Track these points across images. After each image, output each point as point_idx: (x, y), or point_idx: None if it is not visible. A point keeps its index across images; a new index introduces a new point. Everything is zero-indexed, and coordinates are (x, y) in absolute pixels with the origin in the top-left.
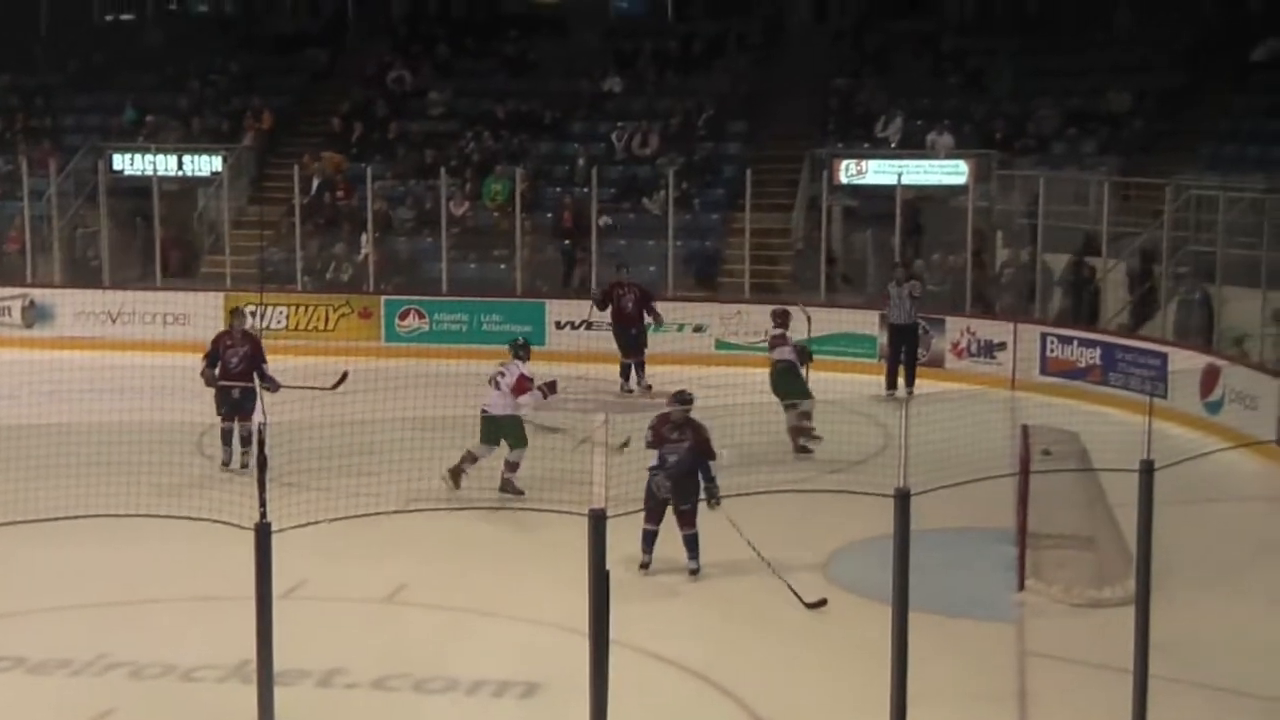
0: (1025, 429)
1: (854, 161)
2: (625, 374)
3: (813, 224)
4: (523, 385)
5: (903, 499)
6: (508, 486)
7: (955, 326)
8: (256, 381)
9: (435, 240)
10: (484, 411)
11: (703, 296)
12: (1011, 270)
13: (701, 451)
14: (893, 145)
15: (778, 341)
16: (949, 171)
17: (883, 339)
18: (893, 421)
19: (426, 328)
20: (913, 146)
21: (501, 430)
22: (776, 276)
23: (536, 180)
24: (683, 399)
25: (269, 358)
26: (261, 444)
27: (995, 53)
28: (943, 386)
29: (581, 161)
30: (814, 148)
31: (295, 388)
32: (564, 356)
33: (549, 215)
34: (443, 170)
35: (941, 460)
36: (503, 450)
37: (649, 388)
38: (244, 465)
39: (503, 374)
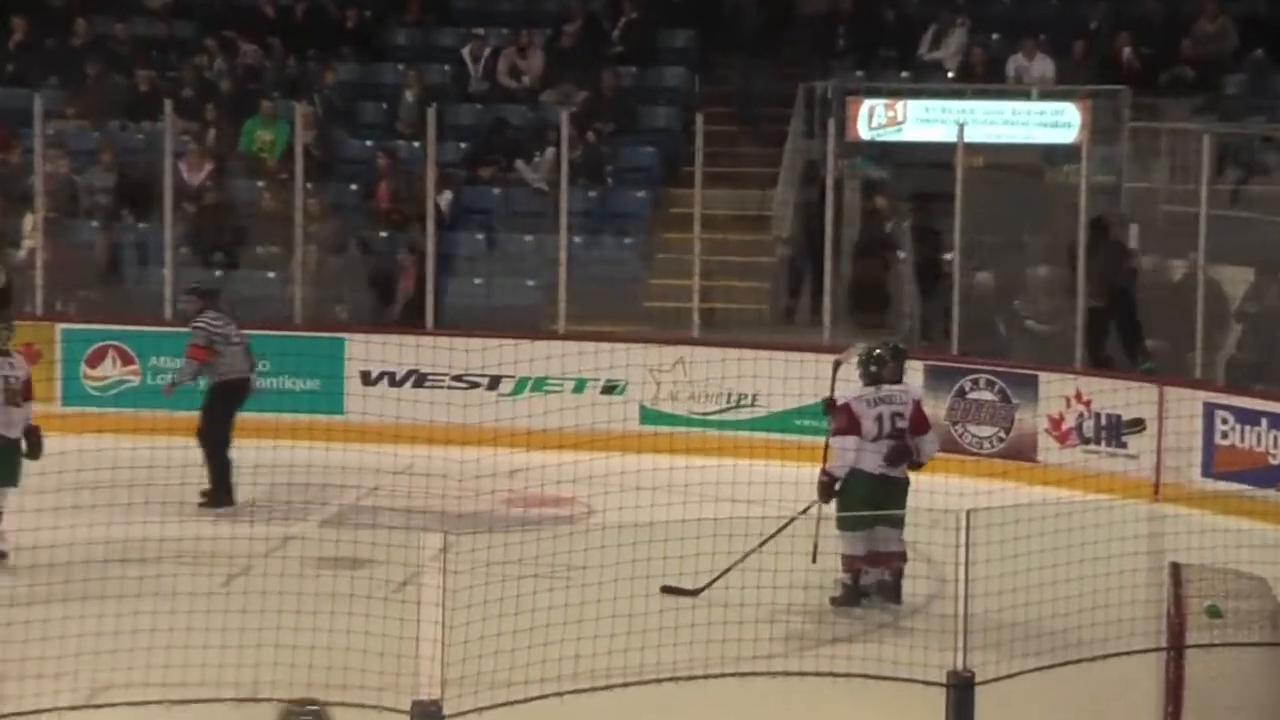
0: (1176, 570)
1: (883, 102)
2: None
3: (810, 208)
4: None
5: (961, 690)
6: None
7: (1056, 390)
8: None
9: (154, 227)
10: None
11: (618, 334)
12: (1156, 295)
13: None
14: (949, 75)
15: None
16: (1047, 121)
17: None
18: (948, 553)
19: (135, 380)
20: (983, 78)
21: None
22: (745, 299)
23: (331, 126)
24: None
25: None
26: None
27: None
28: (1032, 494)
29: (409, 96)
30: (814, 78)
31: None
32: (374, 435)
33: (352, 187)
34: (168, 106)
35: (1027, 622)
36: None
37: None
38: None
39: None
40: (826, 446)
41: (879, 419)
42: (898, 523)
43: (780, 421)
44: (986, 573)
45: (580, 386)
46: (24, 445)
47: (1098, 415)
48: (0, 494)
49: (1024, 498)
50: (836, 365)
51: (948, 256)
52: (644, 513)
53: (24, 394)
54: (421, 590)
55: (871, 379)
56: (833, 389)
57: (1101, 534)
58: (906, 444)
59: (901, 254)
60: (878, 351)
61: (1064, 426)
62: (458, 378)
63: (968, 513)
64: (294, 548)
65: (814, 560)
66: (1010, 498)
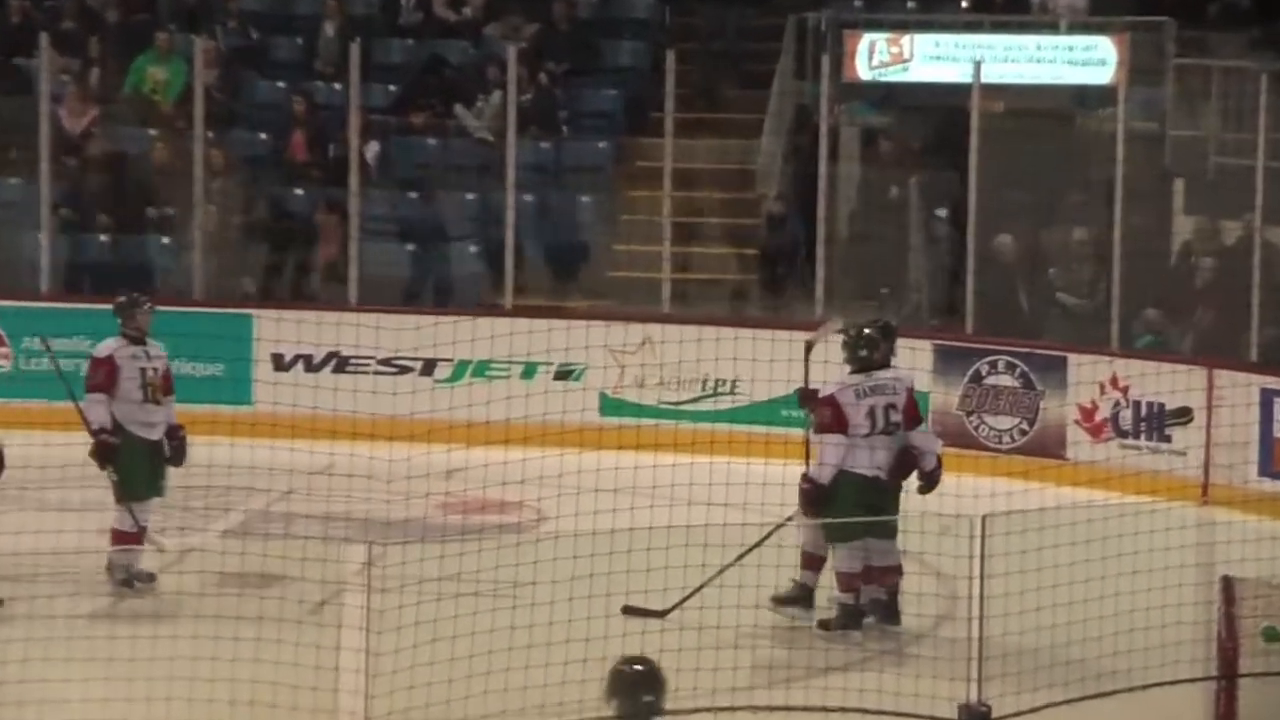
0: (1228, 585)
1: (886, 36)
2: None
3: (801, 162)
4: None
5: None
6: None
7: (1088, 374)
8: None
9: (28, 183)
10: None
11: (574, 309)
12: (1207, 263)
13: None
14: (963, 4)
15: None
16: (1078, 59)
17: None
18: (960, 565)
19: (6, 364)
20: (1003, 8)
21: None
22: (724, 268)
23: (237, 64)
24: None
25: None
26: None
27: None
28: (1060, 496)
29: (329, 29)
30: (805, 8)
31: None
32: (283, 427)
33: (262, 137)
34: (44, 40)
35: (1052, 647)
36: None
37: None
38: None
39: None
40: (808, 444)
41: (870, 413)
42: (890, 531)
43: (764, 412)
44: (1005, 589)
45: (530, 371)
46: (166, 448)
47: (1137, 404)
48: (143, 507)
49: (1049, 501)
50: (809, 347)
51: (940, 213)
52: (604, 519)
53: (164, 388)
54: (343, 612)
55: (861, 364)
56: (807, 377)
57: (1141, 543)
58: (911, 453)
59: (942, 217)
60: (868, 331)
61: (1097, 417)
62: (385, 361)
63: (983, 518)
64: (193, 562)
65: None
66: (1033, 501)
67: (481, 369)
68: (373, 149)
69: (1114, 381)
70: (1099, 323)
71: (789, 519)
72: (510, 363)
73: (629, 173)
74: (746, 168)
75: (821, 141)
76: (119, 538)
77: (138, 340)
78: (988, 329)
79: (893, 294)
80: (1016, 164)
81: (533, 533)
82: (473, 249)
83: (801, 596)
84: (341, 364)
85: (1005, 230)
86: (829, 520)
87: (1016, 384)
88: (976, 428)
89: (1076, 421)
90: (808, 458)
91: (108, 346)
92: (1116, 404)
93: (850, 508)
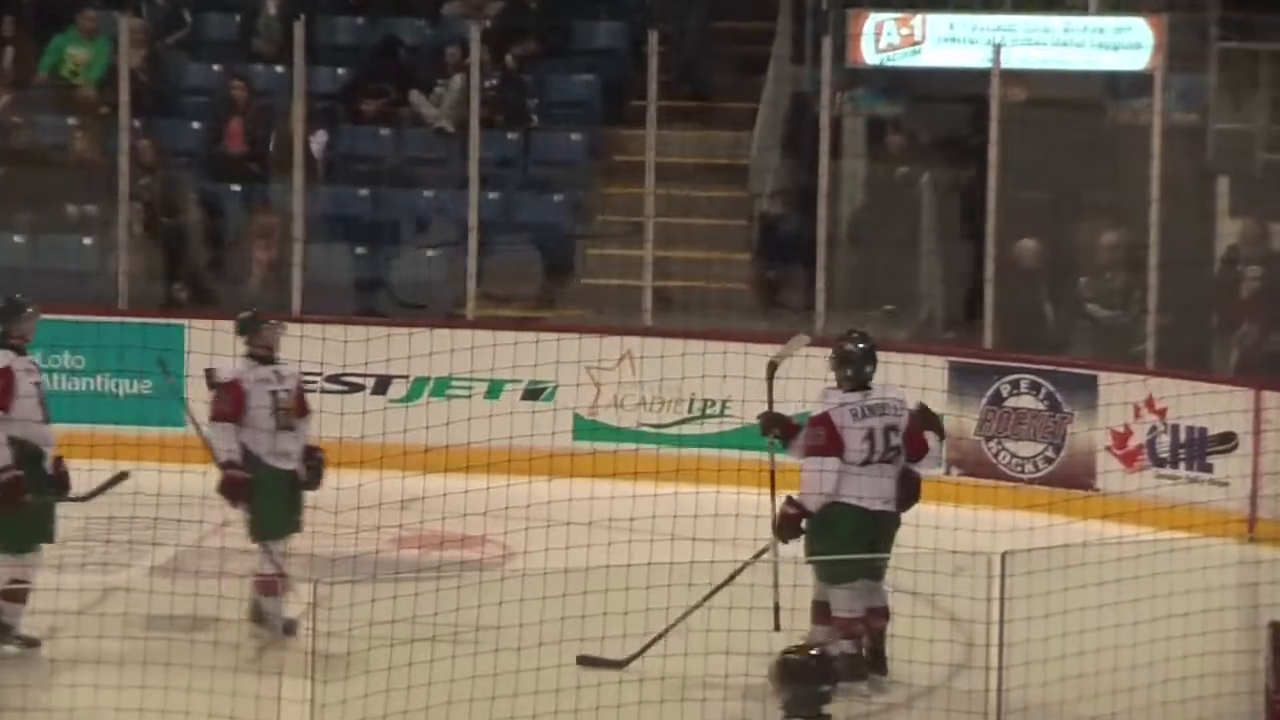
0: (1277, 630)
1: (896, 16)
2: None
3: (800, 156)
4: None
5: None
6: None
7: (1121, 394)
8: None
9: None
10: None
11: (545, 321)
12: (1254, 270)
13: None
14: None
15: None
16: (1110, 42)
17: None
18: (977, 608)
19: None
20: None
21: None
22: (713, 275)
23: (166, 44)
24: None
25: None
26: None
27: None
28: (1088, 531)
29: (271, 5)
30: None
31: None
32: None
33: (195, 126)
34: None
35: (1079, 700)
36: None
37: None
38: None
39: None
40: (773, 475)
41: (869, 436)
42: (881, 570)
43: (757, 436)
44: (1027, 635)
45: (495, 390)
46: (303, 473)
47: (1175, 428)
48: (274, 545)
49: (1077, 536)
50: (772, 368)
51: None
52: (578, 556)
53: (298, 410)
54: (284, 658)
55: (856, 382)
56: (771, 399)
57: (1178, 584)
58: (915, 480)
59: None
60: (863, 346)
61: (1131, 443)
62: (333, 378)
63: (1003, 555)
64: (116, 602)
65: (777, 627)
66: (1059, 536)
67: (441, 387)
68: (319, 140)
69: (1150, 403)
70: (1133, 337)
71: (757, 556)
72: (473, 380)
73: (606, 168)
74: (738, 162)
75: (822, 134)
76: (263, 584)
77: (266, 360)
78: (1008, 344)
79: (902, 305)
80: (1041, 160)
81: (497, 571)
82: (431, 253)
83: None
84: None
85: (1028, 233)
86: (823, 558)
87: (1041, 406)
88: (996, 455)
89: (1108, 448)
90: (773, 491)
91: (233, 369)
92: (1152, 428)
93: (845, 543)
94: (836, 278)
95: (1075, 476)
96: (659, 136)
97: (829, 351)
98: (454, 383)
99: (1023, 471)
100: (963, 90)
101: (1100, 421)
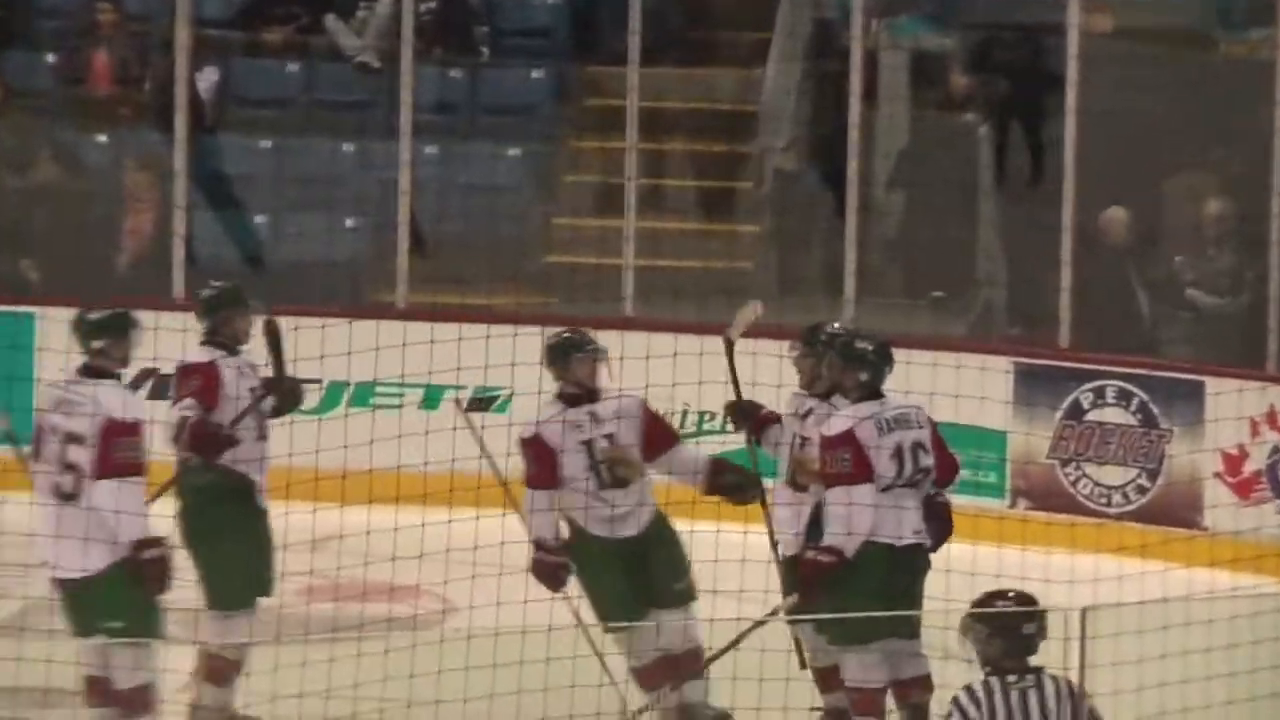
0: None
1: None
2: None
3: (824, 100)
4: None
5: None
6: None
7: (1233, 406)
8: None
9: None
10: None
11: (495, 310)
12: None
13: None
14: None
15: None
16: None
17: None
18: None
19: None
20: None
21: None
22: (712, 252)
23: None
24: None
25: None
26: None
27: None
28: (1192, 581)
29: None
30: None
31: None
32: None
33: (50, 59)
34: None
35: None
36: None
37: None
38: None
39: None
40: (766, 505)
41: (897, 453)
42: (916, 628)
43: (767, 459)
44: (1115, 709)
45: (432, 399)
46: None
47: None
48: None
49: (1176, 587)
50: (730, 344)
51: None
52: (538, 612)
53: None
54: None
55: (870, 389)
56: (737, 385)
57: None
58: (945, 508)
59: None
60: (878, 343)
61: (1247, 469)
62: None
63: (1083, 612)
64: None
65: (803, 665)
66: (1154, 587)
67: (363, 395)
68: (208, 78)
69: (1271, 418)
70: (1248, 332)
71: (770, 615)
72: (404, 386)
73: (577, 115)
74: (744, 108)
75: (853, 72)
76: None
77: (577, 400)
78: (1090, 342)
79: (954, 291)
80: (1132, 107)
81: (435, 631)
82: (350, 222)
83: None
84: (161, 386)
85: (1115, 200)
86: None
87: (1132, 420)
88: (1075, 483)
89: (1217, 474)
90: (769, 519)
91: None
92: (1275, 450)
93: (871, 593)
94: (870, 253)
95: (1175, 511)
96: (644, 76)
97: (789, 346)
98: (379, 389)
99: (1109, 504)
100: (1032, 18)
101: (1208, 441)
